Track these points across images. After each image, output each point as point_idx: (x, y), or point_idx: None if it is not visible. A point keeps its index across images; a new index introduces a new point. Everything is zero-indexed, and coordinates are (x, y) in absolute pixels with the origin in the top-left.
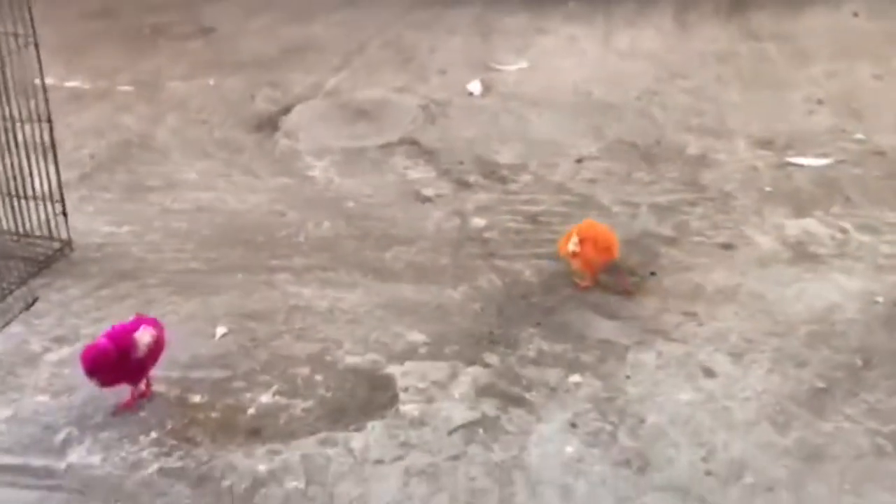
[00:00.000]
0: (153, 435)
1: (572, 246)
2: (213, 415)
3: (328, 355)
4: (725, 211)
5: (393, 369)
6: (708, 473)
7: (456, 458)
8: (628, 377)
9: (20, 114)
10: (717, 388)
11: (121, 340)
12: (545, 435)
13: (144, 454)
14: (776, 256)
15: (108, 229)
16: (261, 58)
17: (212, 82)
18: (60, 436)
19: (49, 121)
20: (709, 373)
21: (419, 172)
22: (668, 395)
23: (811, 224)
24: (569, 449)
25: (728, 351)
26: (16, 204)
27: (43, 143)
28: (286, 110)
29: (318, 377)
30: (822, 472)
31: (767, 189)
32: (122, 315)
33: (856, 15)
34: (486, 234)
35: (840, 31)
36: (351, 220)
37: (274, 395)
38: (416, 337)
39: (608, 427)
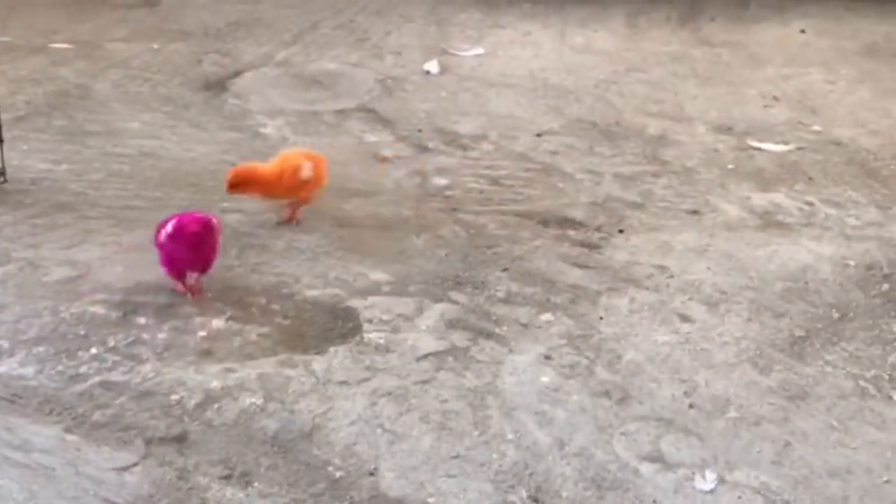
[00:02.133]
0: (93, 351)
1: (307, 172)
2: (160, 335)
3: (285, 288)
4: (690, 183)
5: (356, 303)
6: (691, 406)
7: (426, 382)
8: (602, 318)
9: None
10: (695, 331)
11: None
12: (519, 365)
13: (84, 368)
14: (744, 223)
15: (44, 166)
16: (207, 29)
17: (156, 46)
18: None
19: None
20: (685, 318)
21: (377, 136)
22: (645, 336)
23: (777, 197)
24: (544, 379)
25: (703, 300)
26: None
27: None
28: (235, 74)
29: (275, 306)
30: (808, 409)
31: (730, 167)
32: (59, 242)
33: (803, 31)
34: (449, 192)
35: (789, 43)
36: None
37: (227, 320)
38: (379, 276)
39: (584, 361)
